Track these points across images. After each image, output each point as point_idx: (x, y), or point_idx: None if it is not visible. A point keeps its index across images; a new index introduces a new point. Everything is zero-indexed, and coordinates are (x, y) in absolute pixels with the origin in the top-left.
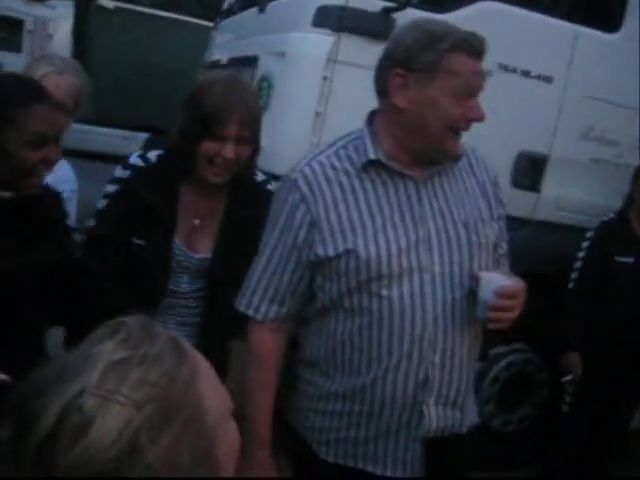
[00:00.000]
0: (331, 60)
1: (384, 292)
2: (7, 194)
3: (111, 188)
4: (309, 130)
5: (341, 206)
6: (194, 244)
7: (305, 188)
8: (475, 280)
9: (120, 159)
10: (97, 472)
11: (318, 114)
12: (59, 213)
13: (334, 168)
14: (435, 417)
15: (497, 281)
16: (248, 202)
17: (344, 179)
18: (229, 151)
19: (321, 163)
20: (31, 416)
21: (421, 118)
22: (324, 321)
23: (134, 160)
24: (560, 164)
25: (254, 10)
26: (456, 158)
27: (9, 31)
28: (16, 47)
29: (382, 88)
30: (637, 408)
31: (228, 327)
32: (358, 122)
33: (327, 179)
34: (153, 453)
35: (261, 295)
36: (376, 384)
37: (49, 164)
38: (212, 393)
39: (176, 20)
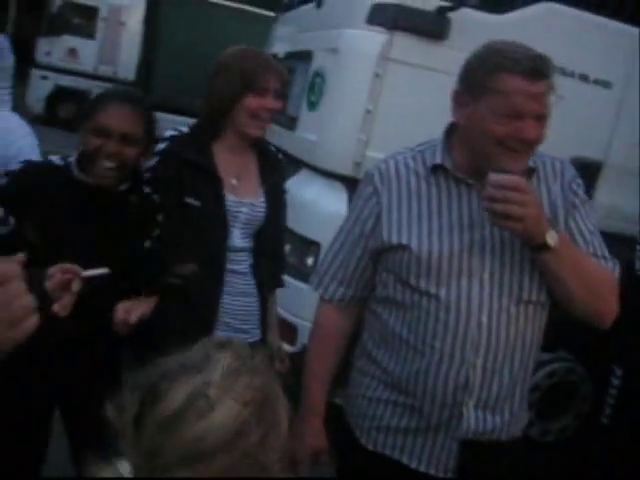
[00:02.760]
0: (383, 58)
1: (432, 290)
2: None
3: (152, 161)
4: (358, 127)
5: (405, 203)
6: (238, 195)
7: (378, 181)
8: None
9: None
10: (210, 447)
11: (368, 112)
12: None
13: (407, 167)
14: (474, 420)
15: (493, 175)
16: (273, 169)
17: (413, 179)
18: (272, 102)
19: (397, 161)
20: (159, 394)
21: (471, 134)
22: (380, 311)
23: (169, 132)
24: (615, 172)
25: (312, 5)
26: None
27: (85, 18)
28: (90, 34)
29: None
30: None
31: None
32: (407, 121)
33: (398, 176)
34: (249, 443)
35: (331, 277)
36: (419, 377)
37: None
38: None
39: (243, 11)
